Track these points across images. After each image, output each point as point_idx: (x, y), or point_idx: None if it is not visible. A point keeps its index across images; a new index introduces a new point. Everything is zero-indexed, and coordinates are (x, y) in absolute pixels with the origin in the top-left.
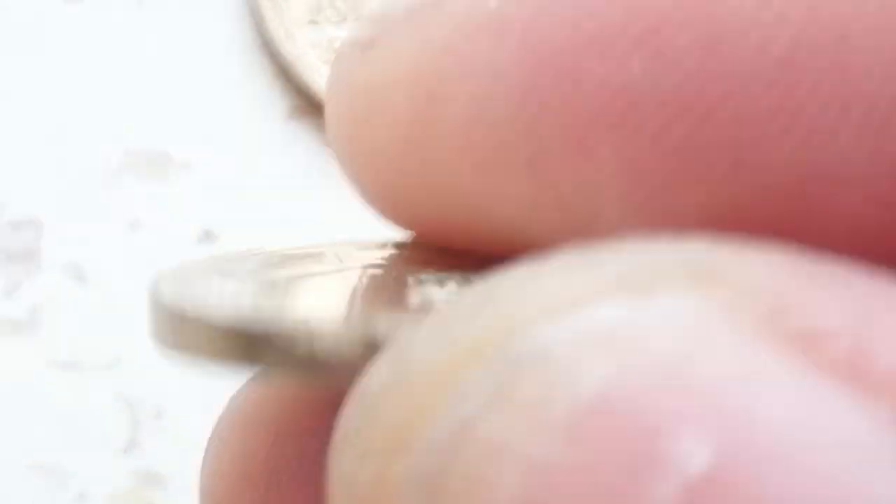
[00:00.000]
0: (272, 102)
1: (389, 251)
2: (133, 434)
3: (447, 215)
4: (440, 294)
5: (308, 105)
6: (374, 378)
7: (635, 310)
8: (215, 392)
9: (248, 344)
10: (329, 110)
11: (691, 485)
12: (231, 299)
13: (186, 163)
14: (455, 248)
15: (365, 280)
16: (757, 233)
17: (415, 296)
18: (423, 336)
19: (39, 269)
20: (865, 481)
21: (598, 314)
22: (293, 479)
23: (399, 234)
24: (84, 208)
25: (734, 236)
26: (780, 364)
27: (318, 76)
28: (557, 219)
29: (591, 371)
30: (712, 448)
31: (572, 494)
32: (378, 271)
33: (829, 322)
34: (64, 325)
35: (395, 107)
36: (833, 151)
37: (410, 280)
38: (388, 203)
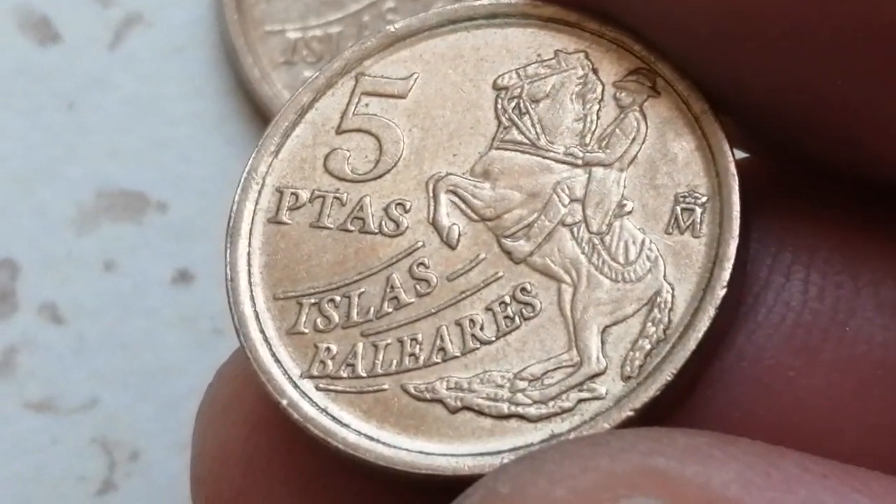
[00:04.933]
0: (248, 143)
1: None
2: (108, 475)
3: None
4: None
5: None
6: None
7: None
8: (191, 434)
9: None
10: None
11: None
12: None
13: (162, 204)
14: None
15: None
16: None
17: None
18: None
19: (15, 311)
20: None
21: None
22: (270, 463)
23: None
24: (60, 249)
25: None
26: None
27: None
28: None
29: None
30: None
31: None
32: None
33: None
34: (40, 366)
35: None
36: None
37: None
38: None
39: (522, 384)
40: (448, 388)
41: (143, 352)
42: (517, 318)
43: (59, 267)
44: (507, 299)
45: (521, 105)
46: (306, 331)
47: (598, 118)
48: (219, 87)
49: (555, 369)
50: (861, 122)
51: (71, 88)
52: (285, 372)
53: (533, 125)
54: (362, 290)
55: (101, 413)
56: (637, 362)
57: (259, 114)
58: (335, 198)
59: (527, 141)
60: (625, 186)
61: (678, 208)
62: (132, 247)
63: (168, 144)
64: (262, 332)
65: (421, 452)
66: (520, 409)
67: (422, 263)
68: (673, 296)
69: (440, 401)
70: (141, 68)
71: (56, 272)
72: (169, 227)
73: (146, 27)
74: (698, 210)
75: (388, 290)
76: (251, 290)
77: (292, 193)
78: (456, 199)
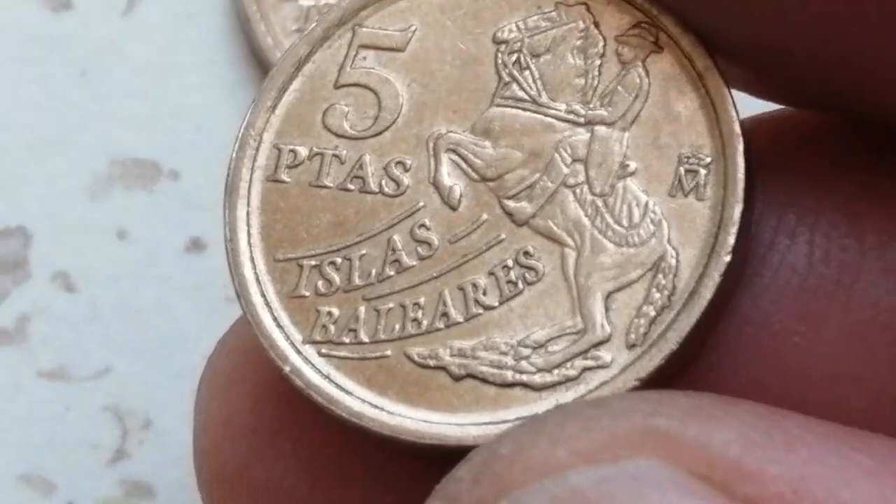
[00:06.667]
0: None
1: None
2: (121, 444)
3: None
4: None
5: None
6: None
7: (603, 475)
8: None
9: None
10: None
11: None
12: None
13: (174, 172)
14: None
15: None
16: None
17: None
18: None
19: (28, 279)
20: None
21: (572, 479)
22: (275, 435)
23: None
24: (72, 218)
25: None
26: None
27: None
28: None
29: None
30: None
31: None
32: None
33: (773, 488)
34: (52, 334)
35: None
36: None
37: None
38: None
39: (526, 351)
40: (451, 355)
41: (155, 320)
42: (520, 283)
43: (72, 235)
44: (510, 263)
45: (522, 60)
46: (307, 294)
47: (599, 74)
48: (231, 55)
49: (559, 336)
50: (868, 65)
51: (83, 56)
52: (287, 337)
53: (534, 81)
54: (363, 252)
55: (113, 381)
56: (642, 329)
57: None
58: (334, 155)
59: (527, 97)
60: (627, 146)
61: (682, 169)
62: (145, 215)
63: (180, 113)
64: (264, 295)
65: (425, 421)
66: (524, 378)
67: (423, 225)
68: (677, 261)
69: (444, 368)
70: (153, 36)
71: (69, 240)
72: (181, 195)
73: None
74: (702, 172)
75: (390, 252)
76: (251, 252)
77: (290, 151)
78: (457, 158)
